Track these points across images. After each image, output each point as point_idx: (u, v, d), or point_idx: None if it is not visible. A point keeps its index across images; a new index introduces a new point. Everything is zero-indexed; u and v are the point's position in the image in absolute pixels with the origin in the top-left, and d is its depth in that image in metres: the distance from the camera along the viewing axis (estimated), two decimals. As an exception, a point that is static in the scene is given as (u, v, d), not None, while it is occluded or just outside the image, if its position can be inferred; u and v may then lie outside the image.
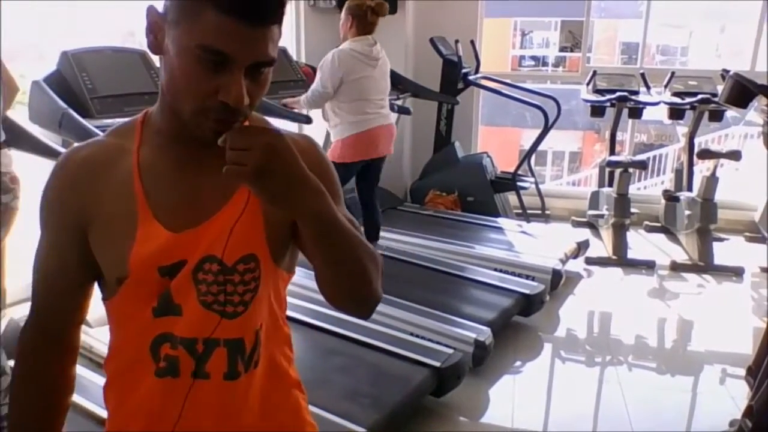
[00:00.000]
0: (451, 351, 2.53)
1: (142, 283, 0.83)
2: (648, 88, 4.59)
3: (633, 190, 4.63)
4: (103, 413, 2.22)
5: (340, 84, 3.17)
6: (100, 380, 2.48)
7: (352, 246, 0.81)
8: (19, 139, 2.10)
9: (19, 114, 2.27)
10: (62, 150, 2.22)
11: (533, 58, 15.32)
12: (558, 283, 3.53)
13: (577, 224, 4.88)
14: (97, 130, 2.32)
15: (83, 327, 2.71)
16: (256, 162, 0.71)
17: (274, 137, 0.73)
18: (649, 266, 4.11)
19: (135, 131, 0.87)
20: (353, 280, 0.83)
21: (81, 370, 2.42)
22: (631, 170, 4.29)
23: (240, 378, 0.87)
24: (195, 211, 0.84)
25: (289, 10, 4.63)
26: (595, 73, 4.73)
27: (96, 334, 2.59)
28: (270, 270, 0.88)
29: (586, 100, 4.63)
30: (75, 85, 2.47)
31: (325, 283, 0.84)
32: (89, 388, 2.31)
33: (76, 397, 2.24)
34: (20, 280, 2.72)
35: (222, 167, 0.72)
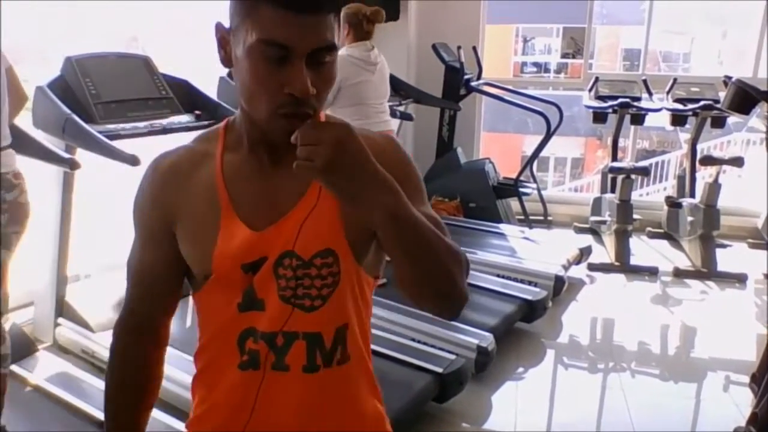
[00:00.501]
0: (453, 357, 2.53)
1: (227, 280, 0.88)
2: (650, 94, 4.60)
3: (635, 196, 4.64)
4: (101, 416, 2.22)
5: (338, 90, 3.18)
6: (102, 384, 2.47)
7: (431, 245, 0.79)
8: (23, 144, 2.11)
9: (23, 120, 2.27)
10: (66, 155, 2.22)
11: (535, 64, 15.34)
12: (560, 289, 3.53)
13: (580, 230, 4.88)
14: (100, 136, 2.33)
15: (84, 331, 2.71)
16: (324, 157, 0.72)
17: (343, 131, 0.74)
18: (651, 272, 4.10)
19: (219, 137, 0.93)
20: (432, 279, 0.81)
21: (83, 375, 2.43)
22: (633, 176, 4.29)
23: (319, 371, 0.89)
24: (273, 209, 0.88)
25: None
26: (597, 79, 4.73)
27: (98, 338, 2.59)
28: (351, 268, 0.89)
29: (589, 107, 4.64)
30: (79, 90, 2.47)
31: (404, 282, 0.82)
32: (90, 392, 2.31)
33: (77, 401, 2.25)
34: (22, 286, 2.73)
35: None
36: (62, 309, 2.71)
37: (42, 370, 2.43)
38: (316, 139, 0.73)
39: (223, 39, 0.84)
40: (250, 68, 0.79)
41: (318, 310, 0.87)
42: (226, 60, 0.84)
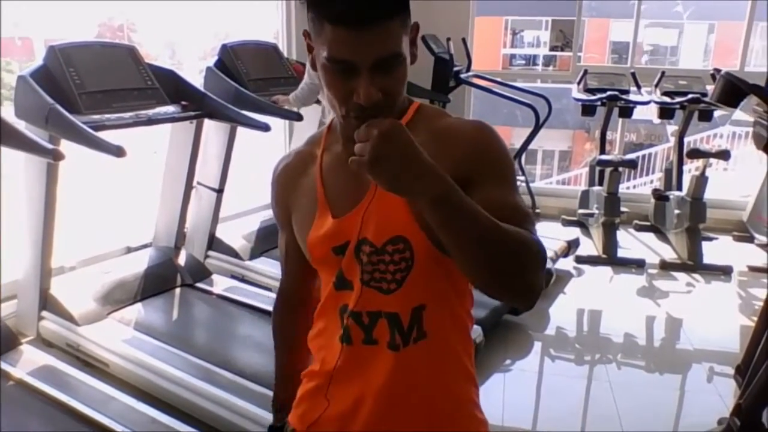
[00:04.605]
0: (441, 349, 2.53)
1: (323, 262, 1.00)
2: (638, 87, 4.61)
3: (623, 189, 4.65)
4: (90, 413, 2.20)
5: None
6: (89, 379, 2.45)
7: (484, 234, 0.79)
8: (5, 135, 2.07)
9: (6, 110, 2.23)
10: (49, 146, 2.18)
11: (524, 56, 15.36)
12: (548, 281, 3.54)
13: (567, 223, 4.89)
14: (84, 126, 2.29)
15: (69, 324, 2.67)
16: (371, 151, 0.76)
17: (388, 126, 0.77)
18: (638, 265, 4.13)
19: (321, 139, 1.04)
20: (489, 268, 0.81)
21: (67, 368, 2.40)
22: (621, 169, 4.31)
23: (400, 350, 0.96)
24: (351, 198, 0.97)
25: (280, 7, 4.59)
26: (585, 72, 4.74)
27: (83, 332, 2.57)
28: (427, 253, 0.92)
29: (577, 99, 4.64)
30: (62, 80, 2.43)
31: (462, 269, 0.84)
32: (75, 386, 2.28)
33: (61, 396, 2.22)
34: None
35: None
36: (46, 302, 2.68)
37: (25, 364, 2.39)
38: (368, 136, 0.77)
39: (309, 46, 0.91)
40: (325, 80, 0.88)
41: (394, 293, 0.95)
42: (312, 65, 0.92)
